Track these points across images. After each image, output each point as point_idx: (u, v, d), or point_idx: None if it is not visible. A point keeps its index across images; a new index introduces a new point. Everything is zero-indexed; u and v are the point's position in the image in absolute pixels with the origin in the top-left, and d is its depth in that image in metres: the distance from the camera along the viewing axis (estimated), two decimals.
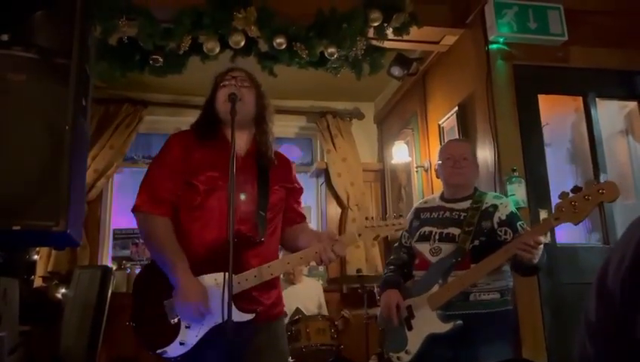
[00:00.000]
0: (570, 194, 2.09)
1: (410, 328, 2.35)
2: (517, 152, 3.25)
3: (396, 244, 2.68)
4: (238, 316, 1.79)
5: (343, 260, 4.96)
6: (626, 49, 3.56)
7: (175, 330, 1.86)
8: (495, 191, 3.19)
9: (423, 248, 2.45)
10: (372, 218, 2.05)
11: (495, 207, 2.40)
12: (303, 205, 2.25)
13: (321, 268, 5.00)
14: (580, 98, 3.55)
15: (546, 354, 2.93)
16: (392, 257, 2.67)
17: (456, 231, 2.37)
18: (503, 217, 2.37)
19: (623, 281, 0.68)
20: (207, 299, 1.84)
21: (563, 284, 3.08)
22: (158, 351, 1.85)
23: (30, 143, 1.56)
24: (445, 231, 2.40)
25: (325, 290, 4.45)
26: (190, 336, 1.85)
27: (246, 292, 1.87)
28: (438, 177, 2.65)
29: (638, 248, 0.69)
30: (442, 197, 2.56)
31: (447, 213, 2.46)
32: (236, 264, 1.75)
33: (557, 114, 3.65)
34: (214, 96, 2.05)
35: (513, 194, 3.08)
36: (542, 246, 2.16)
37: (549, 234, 3.16)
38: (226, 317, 1.65)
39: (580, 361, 0.74)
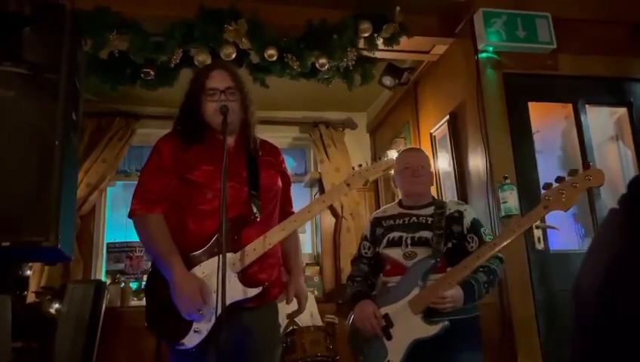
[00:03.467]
0: (555, 184, 2.12)
1: (389, 337, 2.25)
2: (508, 160, 3.27)
3: (353, 258, 2.63)
4: (247, 292, 1.91)
5: (338, 270, 4.96)
6: (614, 56, 3.60)
7: (189, 321, 1.90)
8: (488, 199, 3.22)
9: (395, 253, 2.40)
10: (359, 165, 2.10)
11: (460, 213, 2.43)
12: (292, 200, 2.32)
13: (317, 279, 5.00)
14: (570, 105, 3.58)
15: (542, 361, 2.93)
16: (352, 270, 2.59)
17: (427, 234, 2.36)
18: (469, 224, 2.40)
19: (598, 289, 0.69)
20: (204, 292, 1.89)
21: (557, 291, 3.09)
22: (177, 346, 1.90)
23: (20, 158, 1.56)
24: (417, 235, 2.38)
25: (321, 301, 4.44)
26: (204, 323, 1.89)
27: (249, 269, 1.95)
28: (395, 186, 2.68)
29: (612, 260, 0.69)
30: (402, 205, 2.55)
31: (414, 219, 2.45)
32: (236, 244, 1.93)
33: (547, 121, 3.68)
34: (199, 103, 2.08)
35: (506, 202, 3.09)
36: (455, 295, 2.18)
37: (542, 240, 3.18)
38: (220, 304, 1.69)
39: None
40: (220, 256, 1.83)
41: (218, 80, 2.07)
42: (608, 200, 3.47)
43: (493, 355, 3.09)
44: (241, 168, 2.06)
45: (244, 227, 1.97)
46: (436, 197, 3.94)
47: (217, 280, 1.72)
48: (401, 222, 2.46)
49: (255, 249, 1.96)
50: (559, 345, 2.92)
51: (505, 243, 2.22)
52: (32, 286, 4.19)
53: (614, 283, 0.68)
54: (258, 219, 1.99)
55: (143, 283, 4.72)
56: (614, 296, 0.68)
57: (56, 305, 3.85)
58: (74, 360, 3.22)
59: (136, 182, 2.08)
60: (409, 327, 2.22)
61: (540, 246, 3.16)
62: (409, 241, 2.38)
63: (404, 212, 2.50)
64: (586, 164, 2.13)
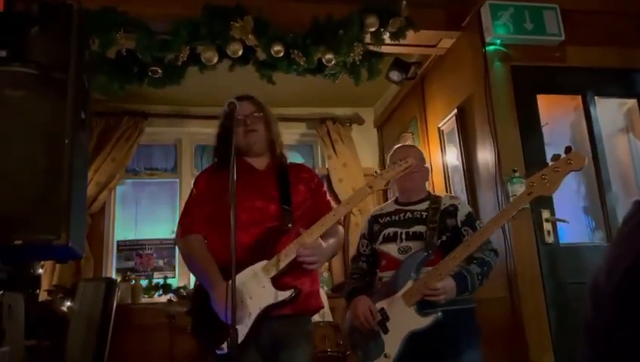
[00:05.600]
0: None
1: (386, 331, 2.27)
2: (517, 153, 3.25)
3: (352, 256, 2.67)
4: (278, 295, 2.05)
5: (347, 265, 4.96)
6: (622, 47, 3.57)
7: (228, 328, 1.99)
8: (497, 193, 3.20)
9: (390, 248, 2.43)
10: (381, 169, 2.27)
11: (455, 206, 2.45)
12: (330, 203, 2.42)
13: (326, 275, 5.00)
14: (579, 97, 3.55)
15: (553, 355, 2.92)
16: (351, 268, 2.64)
17: (421, 228, 2.39)
18: (463, 218, 2.42)
19: (615, 288, 0.68)
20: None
21: (567, 284, 3.07)
22: (218, 351, 2.02)
23: (29, 158, 1.57)
24: (411, 230, 2.41)
25: (330, 297, 4.45)
26: (241, 329, 1.99)
27: (283, 278, 2.09)
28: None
29: (635, 259, 0.68)
30: (398, 202, 2.58)
31: (409, 214, 2.48)
32: (270, 253, 2.10)
33: (556, 113, 3.65)
34: (230, 131, 2.19)
35: (515, 195, 3.07)
36: (446, 287, 2.20)
37: (552, 234, 3.17)
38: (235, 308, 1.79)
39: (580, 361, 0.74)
40: (255, 265, 2.07)
41: (243, 108, 2.27)
42: (619, 192, 3.45)
43: (504, 349, 3.08)
44: (271, 187, 2.25)
45: (280, 237, 2.13)
46: (444, 191, 3.96)
47: (227, 288, 1.82)
48: (396, 218, 2.50)
49: (287, 254, 2.09)
50: (570, 338, 2.91)
51: (492, 233, 2.26)
52: (44, 284, 4.23)
53: (635, 279, 0.67)
54: (291, 229, 2.15)
55: (154, 280, 4.76)
56: (635, 292, 0.67)
57: (68, 303, 3.89)
58: (86, 358, 3.24)
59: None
60: (404, 320, 2.24)
61: (550, 239, 3.14)
62: (404, 236, 2.41)
63: (400, 208, 2.54)
64: (567, 148, 2.15)
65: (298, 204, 2.25)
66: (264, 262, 2.08)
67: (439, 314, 2.19)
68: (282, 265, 2.07)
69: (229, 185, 2.14)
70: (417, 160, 2.55)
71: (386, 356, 2.24)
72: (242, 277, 2.04)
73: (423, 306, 2.22)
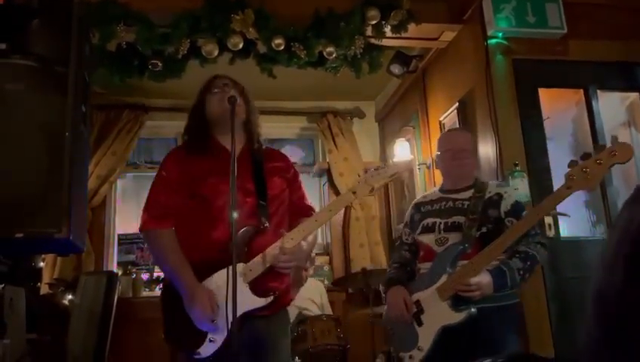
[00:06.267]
0: (580, 162, 2.00)
1: (420, 324, 2.24)
2: (519, 147, 3.24)
3: (397, 243, 2.63)
4: (257, 302, 1.95)
5: (348, 259, 4.96)
6: (625, 41, 3.55)
7: (204, 331, 1.95)
8: None
9: (428, 239, 2.35)
10: (365, 171, 2.11)
11: (500, 195, 2.32)
12: (306, 195, 2.31)
13: (326, 268, 5.01)
14: (581, 91, 3.54)
15: (553, 349, 2.93)
16: (393, 257, 2.61)
17: (461, 219, 2.28)
18: (509, 207, 2.29)
19: (617, 280, 0.68)
20: (213, 303, 1.93)
21: (568, 278, 3.07)
22: (194, 356, 1.95)
23: (30, 151, 1.57)
24: (450, 220, 2.32)
25: (330, 290, 4.45)
26: (219, 333, 1.93)
27: (260, 279, 1.98)
28: (437, 168, 2.61)
29: (632, 252, 0.68)
30: (442, 190, 2.50)
31: (450, 203, 2.38)
32: (246, 254, 1.98)
33: (558, 107, 3.64)
34: (203, 103, 2.14)
35: (517, 189, 3.07)
36: (479, 283, 2.11)
37: (553, 227, 3.16)
38: (230, 313, 1.72)
39: (582, 356, 0.73)
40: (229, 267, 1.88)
41: (221, 80, 2.17)
42: (621, 186, 3.44)
43: None
44: (247, 180, 2.09)
45: (256, 237, 2.01)
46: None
47: (227, 291, 1.75)
48: (437, 207, 2.41)
49: (265, 259, 1.99)
50: (571, 332, 2.91)
51: (527, 228, 2.14)
52: (45, 278, 4.23)
53: (635, 270, 0.67)
54: (267, 228, 2.03)
55: (155, 274, 4.76)
56: (636, 282, 0.66)
57: (69, 297, 3.89)
58: (87, 351, 3.25)
59: (147, 196, 2.16)
60: (437, 314, 2.19)
61: (551, 233, 3.14)
62: (442, 227, 2.33)
63: (442, 196, 2.45)
64: (613, 138, 2.02)
65: (274, 197, 2.12)
66: (241, 265, 1.94)
67: (473, 309, 2.12)
68: (260, 269, 1.97)
69: (204, 172, 2.03)
70: (467, 147, 2.46)
71: (419, 349, 2.21)
72: (217, 280, 1.93)
73: (458, 301, 2.16)
